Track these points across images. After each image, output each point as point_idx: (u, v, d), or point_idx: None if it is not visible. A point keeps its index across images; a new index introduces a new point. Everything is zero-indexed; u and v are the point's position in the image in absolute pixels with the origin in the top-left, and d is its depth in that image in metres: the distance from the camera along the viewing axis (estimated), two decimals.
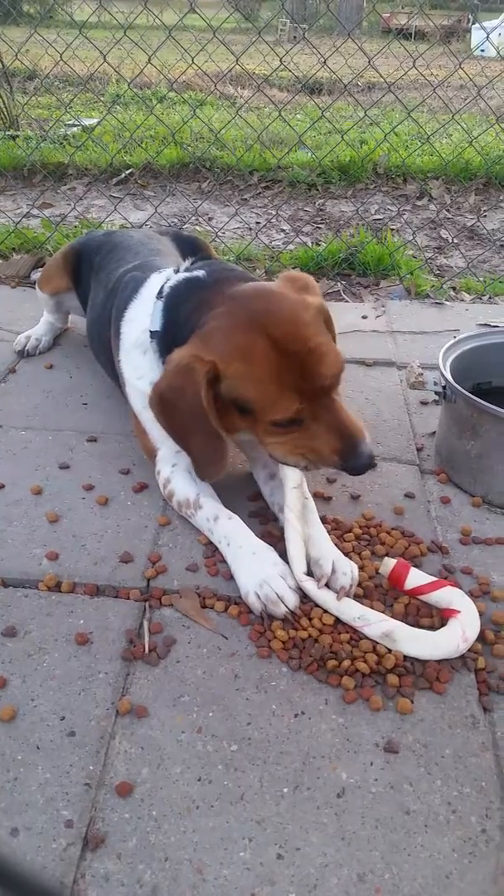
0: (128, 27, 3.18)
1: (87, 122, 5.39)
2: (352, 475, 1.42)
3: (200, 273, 1.56)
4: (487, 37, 3.50)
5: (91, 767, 1.11)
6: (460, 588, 1.40)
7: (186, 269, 1.62)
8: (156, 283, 1.66)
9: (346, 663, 1.25)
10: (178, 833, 1.03)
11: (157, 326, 1.57)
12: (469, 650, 1.29)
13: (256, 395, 1.35)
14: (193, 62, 3.32)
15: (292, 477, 1.48)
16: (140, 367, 1.66)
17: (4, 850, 1.00)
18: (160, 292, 1.59)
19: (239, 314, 1.38)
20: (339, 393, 1.40)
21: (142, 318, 1.64)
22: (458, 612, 1.31)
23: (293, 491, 1.48)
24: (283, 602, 1.35)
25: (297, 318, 1.36)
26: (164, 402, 1.44)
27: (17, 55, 3.56)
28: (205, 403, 1.35)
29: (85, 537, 1.57)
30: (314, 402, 1.34)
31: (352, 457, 1.36)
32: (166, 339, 1.54)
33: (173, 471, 1.64)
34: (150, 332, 1.58)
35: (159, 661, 1.28)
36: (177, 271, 1.64)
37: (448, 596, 1.35)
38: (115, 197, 4.19)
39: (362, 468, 1.38)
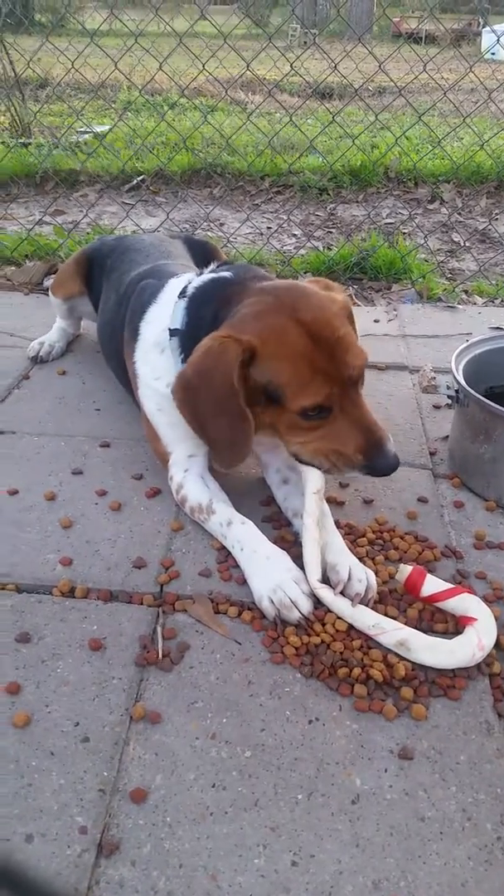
0: (139, 35, 3.19)
1: (99, 129, 5.41)
2: (376, 476, 1.41)
3: (228, 273, 1.58)
4: (498, 40, 3.49)
5: (105, 773, 1.11)
6: (476, 595, 1.40)
7: (213, 271, 1.63)
8: (175, 286, 1.67)
9: (357, 671, 1.25)
10: (192, 840, 1.03)
11: (178, 324, 1.57)
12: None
13: (290, 376, 1.35)
14: (204, 68, 3.34)
15: (312, 482, 1.47)
16: (157, 368, 1.66)
17: (19, 857, 1.00)
18: (183, 292, 1.60)
19: (270, 301, 1.41)
20: (363, 393, 1.41)
21: (161, 319, 1.64)
22: (475, 619, 1.30)
23: (312, 496, 1.46)
24: (296, 607, 1.35)
25: (327, 309, 1.39)
26: (189, 388, 1.43)
27: (28, 63, 3.58)
28: (236, 383, 1.35)
29: (98, 543, 1.57)
30: (342, 392, 1.35)
31: (377, 456, 1.36)
32: (189, 337, 1.53)
33: (186, 476, 1.64)
34: (171, 329, 1.58)
35: (173, 667, 1.28)
36: (199, 274, 1.64)
37: (465, 603, 1.34)
38: (126, 203, 4.20)
39: (388, 469, 1.37)
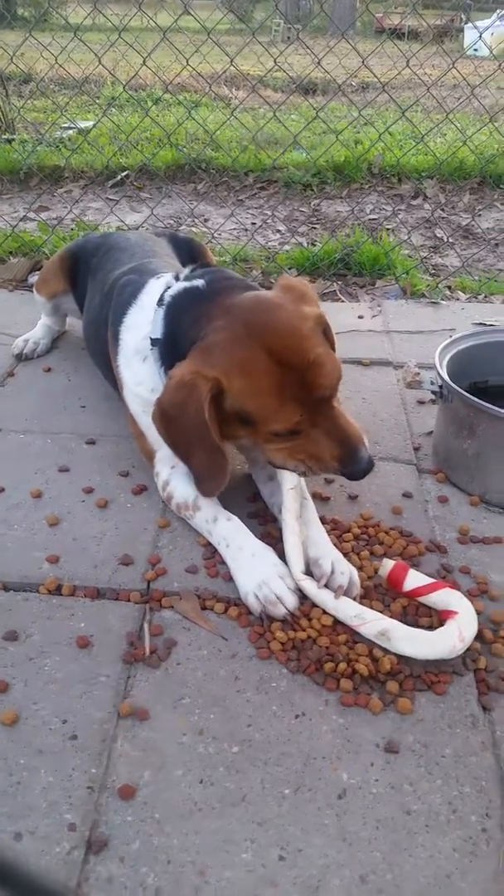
0: (122, 29, 3.18)
1: (83, 124, 5.39)
2: (351, 480, 1.43)
3: (199, 283, 1.55)
4: (480, 36, 3.51)
5: (93, 770, 1.11)
6: (459, 589, 1.41)
7: (186, 278, 1.61)
8: (155, 288, 1.66)
9: (343, 666, 1.26)
10: (180, 835, 1.03)
11: (158, 334, 1.57)
12: (468, 649, 1.29)
13: (258, 408, 1.36)
14: (188, 64, 3.33)
15: (289, 478, 1.50)
16: (139, 374, 1.66)
17: (8, 855, 1.00)
18: (161, 300, 1.59)
19: (238, 328, 1.38)
20: (338, 398, 1.41)
21: (142, 325, 1.64)
22: (456, 612, 1.31)
23: (290, 492, 1.49)
24: (282, 603, 1.36)
25: (296, 331, 1.37)
26: (166, 417, 1.45)
27: (11, 59, 3.56)
28: (207, 419, 1.36)
29: (85, 540, 1.57)
30: (314, 411, 1.36)
31: (351, 462, 1.38)
32: (167, 349, 1.55)
33: (172, 473, 1.64)
34: (151, 339, 1.58)
35: (160, 664, 1.29)
36: (177, 278, 1.64)
37: (446, 597, 1.35)
38: (111, 199, 4.19)
39: (361, 473, 1.39)
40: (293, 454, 1.42)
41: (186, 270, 1.66)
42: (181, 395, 1.40)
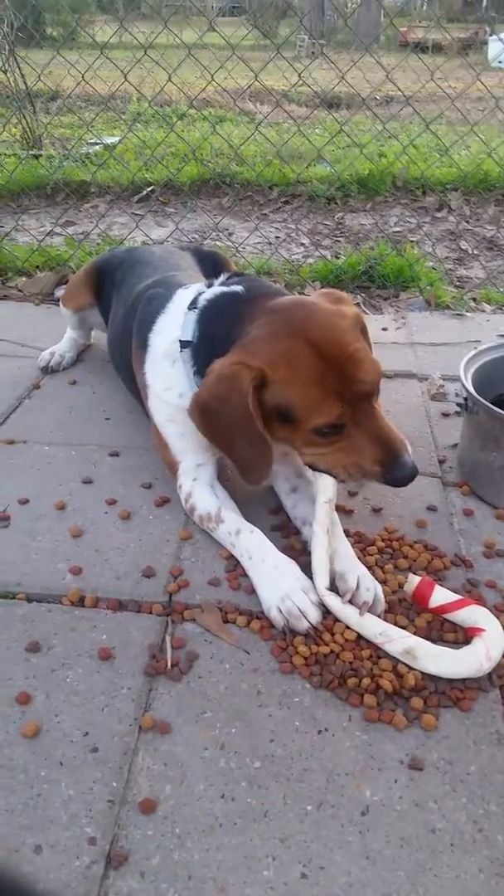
0: (148, 47, 3.22)
1: (109, 140, 5.45)
2: (394, 486, 1.41)
3: (239, 288, 1.56)
4: None
5: (114, 784, 1.11)
6: (485, 604, 1.39)
7: (223, 284, 1.62)
8: (183, 298, 1.67)
9: (367, 681, 1.24)
10: (201, 851, 1.02)
11: (188, 336, 1.57)
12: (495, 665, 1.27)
13: (301, 399, 1.35)
14: (213, 79, 3.36)
15: (324, 491, 1.47)
16: (168, 378, 1.66)
17: (27, 868, 1.00)
18: (193, 303, 1.60)
19: (280, 323, 1.40)
20: (379, 404, 1.40)
21: (171, 329, 1.64)
22: (483, 630, 1.29)
23: (324, 505, 1.46)
24: (305, 617, 1.35)
25: (336, 326, 1.38)
26: (206, 411, 1.44)
27: (39, 76, 3.61)
28: (251, 409, 1.36)
29: (108, 552, 1.57)
30: (355, 408, 1.35)
31: (394, 467, 1.35)
32: (202, 351, 1.54)
33: (194, 485, 1.64)
34: (181, 341, 1.58)
35: (182, 677, 1.28)
36: (209, 286, 1.64)
37: (473, 615, 1.33)
38: (136, 214, 4.23)
39: (405, 479, 1.37)
40: (335, 460, 1.40)
41: (222, 278, 1.66)
42: (223, 386, 1.39)
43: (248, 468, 1.46)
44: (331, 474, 1.44)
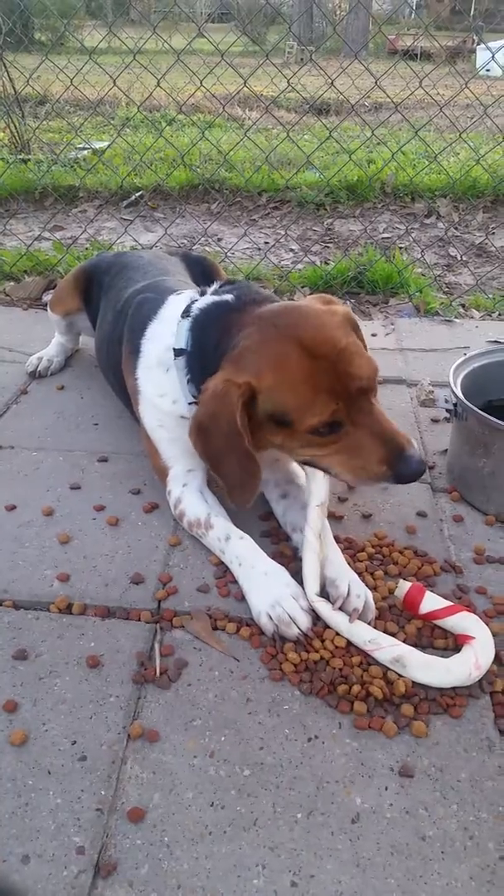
0: (137, 52, 3.22)
1: (98, 145, 5.45)
2: (403, 484, 1.36)
3: (229, 297, 1.55)
4: (493, 56, 3.52)
5: (103, 793, 1.10)
6: (475, 610, 1.39)
7: (214, 293, 1.61)
8: (175, 304, 1.67)
9: (357, 688, 1.24)
10: (190, 860, 1.01)
11: (182, 345, 1.56)
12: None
13: (292, 401, 1.33)
14: (202, 85, 3.36)
15: (316, 495, 1.46)
16: (162, 385, 1.65)
17: (15, 878, 0.98)
18: (186, 311, 1.59)
19: (267, 329, 1.39)
20: (378, 401, 1.39)
21: (164, 337, 1.63)
22: (473, 638, 1.29)
23: (316, 509, 1.45)
24: (295, 623, 1.34)
25: (324, 324, 1.37)
26: (201, 429, 1.43)
27: (28, 81, 3.61)
28: (239, 425, 1.34)
29: (96, 558, 1.56)
30: (351, 405, 1.32)
31: (401, 464, 1.31)
32: (195, 360, 1.54)
33: (184, 490, 1.63)
34: (175, 349, 1.57)
35: (171, 685, 1.27)
36: (202, 293, 1.64)
37: (463, 622, 1.33)
38: (125, 219, 4.22)
39: (414, 475, 1.32)
40: (341, 463, 1.37)
41: (214, 286, 1.65)
42: (213, 405, 1.38)
43: (235, 487, 1.44)
44: (339, 478, 1.42)
